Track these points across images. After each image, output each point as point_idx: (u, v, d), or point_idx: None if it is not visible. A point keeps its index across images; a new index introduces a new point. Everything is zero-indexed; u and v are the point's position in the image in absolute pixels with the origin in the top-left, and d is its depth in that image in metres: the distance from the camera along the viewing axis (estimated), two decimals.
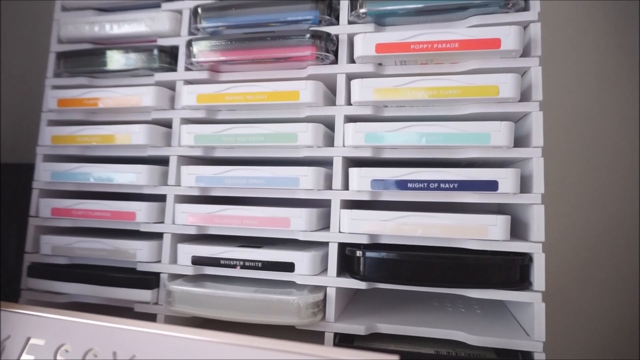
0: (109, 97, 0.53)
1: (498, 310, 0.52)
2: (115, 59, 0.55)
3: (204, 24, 0.52)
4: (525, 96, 0.45)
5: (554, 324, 0.68)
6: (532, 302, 0.42)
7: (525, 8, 0.45)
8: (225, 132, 0.49)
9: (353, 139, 0.46)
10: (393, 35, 0.45)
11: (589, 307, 0.71)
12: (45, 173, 0.55)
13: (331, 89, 0.50)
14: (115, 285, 0.50)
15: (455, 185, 0.44)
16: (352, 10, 0.48)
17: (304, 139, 0.47)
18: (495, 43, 0.43)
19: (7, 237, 0.65)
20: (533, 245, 0.43)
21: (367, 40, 0.46)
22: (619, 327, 0.69)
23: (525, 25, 0.45)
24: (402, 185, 0.45)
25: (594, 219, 0.71)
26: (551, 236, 0.48)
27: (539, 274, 0.43)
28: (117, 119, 0.55)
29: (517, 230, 0.48)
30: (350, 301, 0.54)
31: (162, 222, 0.52)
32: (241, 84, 0.49)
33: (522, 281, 0.43)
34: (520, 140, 0.46)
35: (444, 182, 0.44)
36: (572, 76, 0.73)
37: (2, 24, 0.78)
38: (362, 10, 0.47)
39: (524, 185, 0.44)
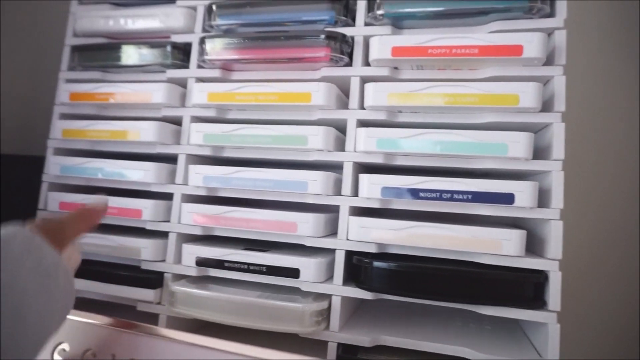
0: (120, 92, 0.53)
1: (509, 328, 0.50)
2: (129, 54, 0.54)
3: (218, 21, 0.52)
4: (546, 106, 0.43)
5: (568, 345, 0.66)
6: (546, 323, 0.40)
7: (551, 14, 0.43)
8: (235, 132, 0.48)
9: (365, 144, 0.45)
10: (410, 38, 0.44)
11: (606, 328, 0.68)
12: (55, 167, 0.55)
13: (344, 91, 0.49)
14: (119, 283, 0.50)
15: (469, 197, 0.42)
16: (369, 11, 0.47)
17: (315, 142, 0.46)
18: (517, 50, 0.41)
19: None
20: (549, 263, 0.41)
21: (383, 43, 0.44)
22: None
23: (549, 32, 0.43)
24: (414, 194, 0.43)
25: (614, 235, 0.68)
26: (568, 252, 0.46)
27: (554, 293, 0.41)
28: (128, 115, 0.55)
29: (533, 245, 0.46)
30: (356, 311, 0.52)
31: (168, 221, 0.51)
32: (252, 84, 0.48)
33: (536, 299, 0.41)
34: (539, 152, 0.44)
35: (458, 192, 0.42)
36: (594, 85, 0.70)
37: (16, 17, 0.78)
38: (380, 12, 0.46)
39: (542, 199, 0.42)
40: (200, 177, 0.49)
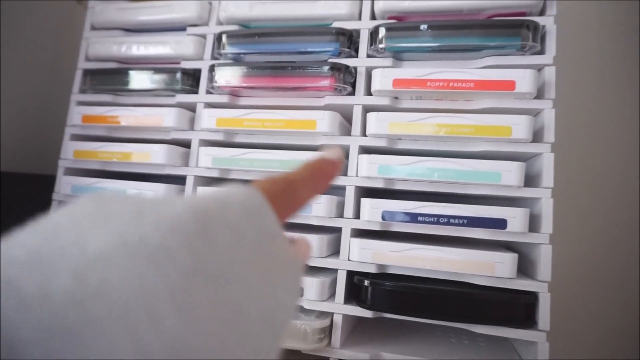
0: (131, 115, 0.55)
1: (501, 344, 0.52)
2: (140, 79, 0.56)
3: (227, 50, 0.54)
4: (537, 137, 0.46)
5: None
6: (536, 342, 0.43)
7: (541, 51, 0.46)
8: (243, 156, 0.51)
9: (367, 170, 0.47)
10: (410, 71, 0.47)
11: (595, 347, 0.70)
12: (66, 186, 0.57)
13: (347, 118, 0.51)
14: None
15: (465, 221, 0.45)
16: (371, 44, 0.50)
17: None
18: (510, 85, 0.44)
19: None
20: (539, 285, 0.44)
21: (385, 75, 0.47)
22: None
23: (539, 69, 0.46)
24: (412, 218, 0.46)
25: (602, 256, 0.71)
26: (558, 273, 0.49)
27: (544, 314, 0.43)
28: (138, 137, 0.57)
29: (524, 266, 0.49)
30: (356, 328, 0.55)
31: None
32: (260, 111, 0.51)
33: (527, 319, 0.44)
34: (530, 179, 0.47)
35: (454, 217, 0.45)
36: (582, 113, 0.74)
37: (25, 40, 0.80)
38: (382, 46, 0.49)
39: (533, 224, 0.45)
40: None
